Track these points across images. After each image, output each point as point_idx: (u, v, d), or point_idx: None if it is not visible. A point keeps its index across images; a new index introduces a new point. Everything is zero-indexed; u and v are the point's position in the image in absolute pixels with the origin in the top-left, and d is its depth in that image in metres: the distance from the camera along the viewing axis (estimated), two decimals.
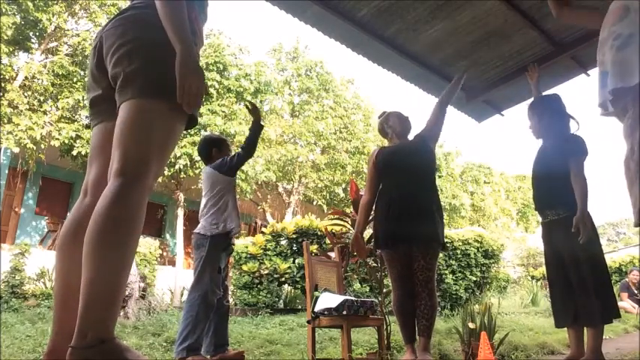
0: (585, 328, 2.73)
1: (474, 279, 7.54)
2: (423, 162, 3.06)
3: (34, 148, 8.76)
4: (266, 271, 6.63)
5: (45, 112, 9.05)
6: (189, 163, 9.34)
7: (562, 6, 2.38)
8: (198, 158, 8.62)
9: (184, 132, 9.81)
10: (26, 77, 8.74)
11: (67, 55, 9.32)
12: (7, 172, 9.98)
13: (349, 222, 4.07)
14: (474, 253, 7.66)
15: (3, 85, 8.46)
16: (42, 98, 9.17)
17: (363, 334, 4.25)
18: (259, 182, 11.72)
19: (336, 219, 4.40)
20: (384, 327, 3.40)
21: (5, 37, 8.36)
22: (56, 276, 1.52)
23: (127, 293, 4.85)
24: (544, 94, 3.38)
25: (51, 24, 8.96)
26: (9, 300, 5.35)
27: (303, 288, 5.98)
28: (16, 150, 8.80)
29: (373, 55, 4.00)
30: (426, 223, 2.89)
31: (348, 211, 4.77)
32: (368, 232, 3.87)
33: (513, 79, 4.28)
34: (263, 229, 7.58)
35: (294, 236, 7.00)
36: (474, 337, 3.32)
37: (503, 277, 9.76)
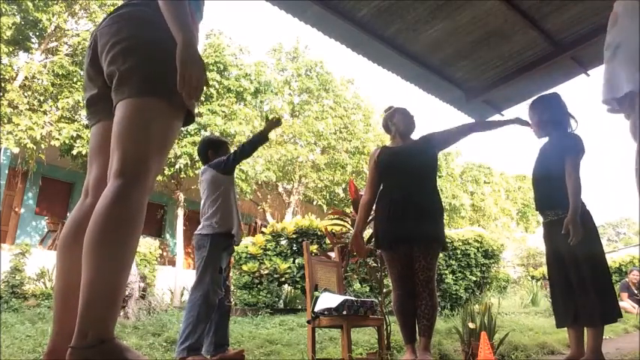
0: (585, 328, 2.73)
1: (474, 279, 7.54)
2: (424, 164, 3.05)
3: (34, 148, 8.75)
4: (266, 271, 6.63)
5: (45, 112, 9.05)
6: (189, 162, 9.34)
7: None
8: (198, 158, 8.63)
9: (185, 132, 9.75)
10: (26, 77, 8.74)
11: (67, 55, 9.32)
12: (7, 172, 9.98)
13: (349, 222, 4.07)
14: (474, 253, 7.66)
15: (3, 85, 8.45)
16: (42, 98, 9.17)
17: (363, 334, 4.25)
18: (259, 182, 11.72)
19: (336, 219, 4.40)
20: (384, 327, 3.40)
21: (5, 37, 8.36)
22: (57, 276, 1.51)
23: (127, 293, 4.85)
24: (544, 93, 3.37)
25: (51, 24, 8.96)
26: (9, 300, 5.34)
27: (303, 288, 5.98)
28: (16, 150, 8.80)
29: (373, 55, 4.00)
30: (427, 224, 2.89)
31: (348, 211, 4.77)
32: (368, 232, 3.87)
33: (513, 79, 4.28)
34: (263, 229, 7.58)
35: (294, 236, 7.00)
36: (474, 337, 3.31)
37: (503, 277, 9.76)
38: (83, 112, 9.39)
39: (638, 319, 6.99)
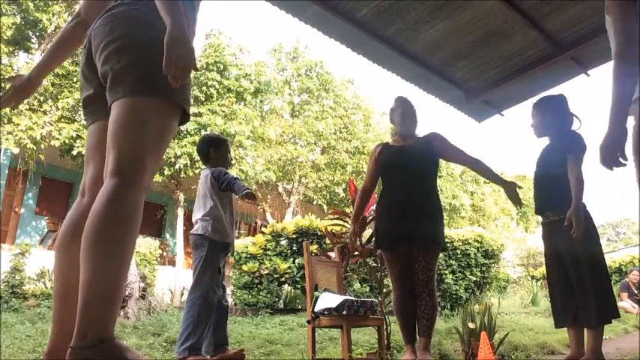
0: (585, 329, 2.73)
1: (474, 279, 7.54)
2: (424, 164, 3.05)
3: (34, 148, 8.76)
4: (266, 271, 6.63)
5: (45, 112, 9.05)
6: (189, 162, 9.33)
7: None
8: (198, 158, 8.62)
9: (185, 132, 9.71)
10: None
11: None
12: (7, 172, 9.98)
13: (349, 222, 4.07)
14: (474, 253, 7.66)
15: (3, 85, 8.45)
16: (42, 98, 9.16)
17: (363, 334, 4.24)
18: (259, 182, 11.71)
19: (336, 219, 4.40)
20: (384, 327, 3.40)
21: (5, 37, 8.36)
22: (55, 276, 1.51)
23: (127, 293, 4.85)
24: (550, 94, 3.36)
25: (51, 24, 8.95)
26: (9, 300, 5.34)
27: (303, 288, 5.98)
28: (16, 150, 8.81)
29: (373, 55, 4.00)
30: (427, 224, 2.90)
31: (348, 211, 4.76)
32: (368, 232, 3.88)
33: (513, 79, 4.29)
34: (263, 229, 7.58)
35: (294, 236, 7.00)
36: (474, 337, 3.31)
37: (503, 277, 9.75)
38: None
39: (638, 319, 6.98)
